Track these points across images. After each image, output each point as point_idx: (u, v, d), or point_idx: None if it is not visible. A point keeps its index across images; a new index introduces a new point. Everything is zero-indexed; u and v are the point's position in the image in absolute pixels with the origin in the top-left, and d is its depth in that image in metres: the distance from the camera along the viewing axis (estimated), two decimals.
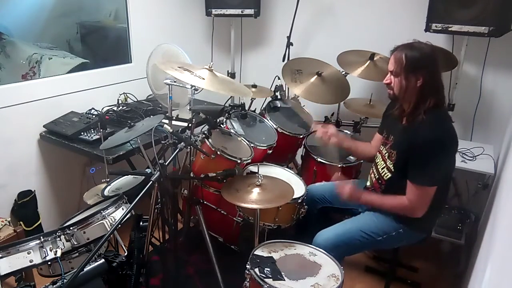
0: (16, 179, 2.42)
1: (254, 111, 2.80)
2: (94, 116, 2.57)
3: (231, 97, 3.14)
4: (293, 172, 2.38)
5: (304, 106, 2.89)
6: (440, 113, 1.84)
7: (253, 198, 1.84)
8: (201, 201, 2.22)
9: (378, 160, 2.05)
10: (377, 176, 2.03)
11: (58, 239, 1.55)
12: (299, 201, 2.12)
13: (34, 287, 1.57)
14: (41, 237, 1.51)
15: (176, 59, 2.44)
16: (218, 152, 2.04)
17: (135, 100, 2.90)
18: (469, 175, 2.34)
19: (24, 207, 2.41)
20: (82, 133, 2.38)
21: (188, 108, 2.43)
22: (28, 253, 1.47)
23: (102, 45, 3.02)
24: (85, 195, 2.30)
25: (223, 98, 2.94)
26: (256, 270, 1.60)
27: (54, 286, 1.43)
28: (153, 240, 2.00)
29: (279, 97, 2.91)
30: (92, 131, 2.41)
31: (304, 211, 2.18)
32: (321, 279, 1.59)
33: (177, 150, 1.90)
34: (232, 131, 2.37)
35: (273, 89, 2.93)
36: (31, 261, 1.47)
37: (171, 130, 1.95)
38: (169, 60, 2.36)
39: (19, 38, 2.47)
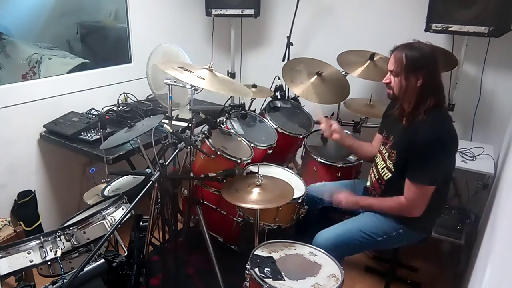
0: (16, 179, 2.43)
1: (254, 111, 2.80)
2: (94, 116, 2.57)
3: (231, 97, 3.14)
4: (293, 172, 2.38)
5: (304, 106, 2.90)
6: (441, 113, 1.84)
7: (253, 198, 1.84)
8: (201, 201, 2.22)
9: (378, 160, 2.05)
10: (377, 176, 2.03)
11: (58, 239, 1.55)
12: (299, 201, 2.12)
13: (34, 287, 1.57)
14: (41, 237, 1.51)
15: (176, 59, 2.44)
16: (218, 152, 2.04)
17: (135, 100, 2.90)
18: (469, 175, 2.34)
19: (24, 207, 2.41)
20: (82, 133, 2.38)
21: (188, 108, 2.43)
22: (28, 253, 1.47)
23: (102, 45, 3.02)
24: (85, 195, 2.30)
25: (223, 98, 2.94)
26: (256, 270, 1.60)
27: (54, 286, 1.43)
28: (153, 240, 2.00)
29: (279, 97, 2.91)
30: (92, 131, 2.41)
31: (304, 211, 2.18)
32: (321, 279, 1.59)
33: (177, 150, 1.90)
34: (232, 131, 2.37)
35: (273, 89, 2.93)
36: (31, 261, 1.47)
37: (171, 130, 1.94)
38: (169, 60, 2.36)
39: (19, 38, 2.47)
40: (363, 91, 3.02)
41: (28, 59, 2.48)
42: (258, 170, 2.03)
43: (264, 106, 2.79)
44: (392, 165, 1.91)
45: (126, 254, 1.76)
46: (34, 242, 1.50)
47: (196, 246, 2.46)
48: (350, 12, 3.11)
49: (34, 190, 2.48)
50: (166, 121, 2.17)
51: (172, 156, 1.89)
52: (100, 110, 2.67)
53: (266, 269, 1.61)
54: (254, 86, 2.92)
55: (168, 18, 3.18)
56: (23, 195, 2.42)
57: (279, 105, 2.81)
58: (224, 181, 1.96)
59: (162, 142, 2.06)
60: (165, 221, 1.95)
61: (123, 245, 2.05)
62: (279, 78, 2.86)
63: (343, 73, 2.80)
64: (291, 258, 1.71)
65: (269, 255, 1.71)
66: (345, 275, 1.62)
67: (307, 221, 2.24)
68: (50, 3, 2.62)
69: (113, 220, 1.68)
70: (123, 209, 1.77)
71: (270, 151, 2.42)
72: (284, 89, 2.92)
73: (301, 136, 2.64)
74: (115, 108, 2.74)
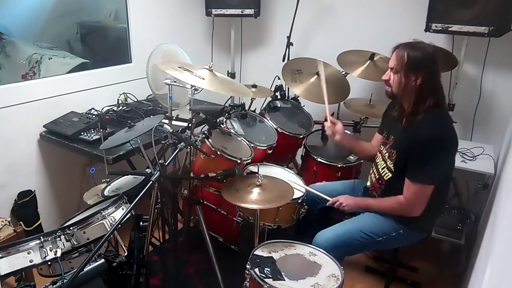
0: (16, 179, 2.42)
1: (254, 111, 2.80)
2: (94, 116, 2.57)
3: (231, 97, 3.14)
4: (293, 172, 2.38)
5: (304, 106, 2.90)
6: (440, 113, 1.84)
7: (253, 198, 1.84)
8: (201, 201, 2.22)
9: (378, 160, 2.05)
10: (377, 176, 2.03)
11: (58, 239, 1.55)
12: (299, 201, 2.12)
13: (34, 287, 1.57)
14: (41, 237, 1.51)
15: (176, 59, 2.44)
16: (218, 152, 2.04)
17: (135, 100, 2.90)
18: (469, 175, 2.33)
19: (24, 207, 2.41)
20: (82, 133, 2.38)
21: (188, 108, 2.43)
22: (28, 253, 1.47)
23: (102, 45, 3.02)
24: (85, 195, 2.30)
25: (223, 98, 2.94)
26: (256, 270, 1.60)
27: (54, 286, 1.43)
28: (153, 240, 2.00)
29: (279, 97, 2.91)
30: (92, 131, 2.41)
31: (304, 211, 2.18)
32: (321, 279, 1.59)
33: (177, 150, 1.90)
34: (232, 131, 2.37)
35: (273, 89, 2.93)
36: (31, 261, 1.47)
37: (171, 130, 1.94)
38: (169, 60, 2.36)
39: (19, 38, 2.47)
40: (363, 91, 3.02)
41: (28, 59, 2.48)
42: (258, 170, 2.03)
43: (264, 106, 2.79)
44: (392, 165, 1.91)
45: (126, 254, 1.76)
46: (34, 242, 1.50)
47: (196, 246, 2.46)
48: (350, 12, 3.11)
49: (34, 190, 2.48)
50: (166, 121, 2.17)
51: (172, 156, 1.89)
52: (100, 110, 2.67)
53: (266, 269, 1.61)
54: (254, 86, 2.92)
55: (168, 18, 3.18)
56: (23, 195, 2.42)
57: (279, 105, 2.81)
58: (224, 181, 1.96)
59: (162, 142, 2.06)
60: (165, 221, 1.95)
61: (123, 245, 2.05)
62: (279, 78, 2.86)
63: (343, 73, 2.80)
64: (291, 258, 1.71)
65: (269, 255, 1.71)
66: (345, 275, 1.62)
67: (307, 221, 2.24)
68: (50, 3, 2.62)
69: (113, 220, 1.68)
70: (123, 209, 1.77)
71: (270, 151, 2.42)
72: (284, 89, 2.92)
73: (301, 136, 2.64)
74: (115, 108, 2.74)
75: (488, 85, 2.70)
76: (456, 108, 2.64)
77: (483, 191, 2.51)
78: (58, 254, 1.51)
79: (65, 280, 1.42)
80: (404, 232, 1.91)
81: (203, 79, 1.87)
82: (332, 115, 2.91)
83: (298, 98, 2.93)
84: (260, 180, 1.90)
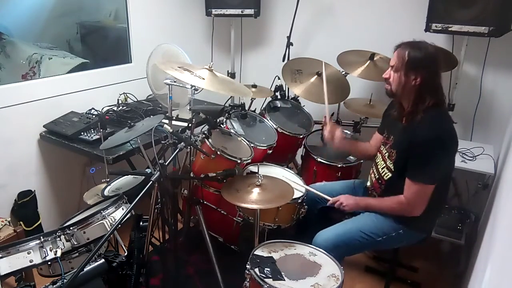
0: (16, 179, 2.42)
1: (254, 111, 2.80)
2: (94, 116, 2.57)
3: (231, 97, 3.14)
4: (293, 172, 2.38)
5: (304, 106, 2.90)
6: (440, 112, 1.84)
7: (253, 198, 1.84)
8: (201, 201, 2.22)
9: (378, 160, 2.05)
10: (377, 176, 2.03)
11: (58, 239, 1.55)
12: (299, 201, 2.12)
13: (34, 287, 1.57)
14: (41, 237, 1.51)
15: (176, 59, 2.44)
16: (218, 152, 2.04)
17: (135, 100, 2.90)
18: (469, 175, 2.33)
19: (24, 207, 2.41)
20: (82, 133, 2.38)
21: (188, 108, 2.43)
22: (28, 253, 1.47)
23: (102, 45, 3.02)
24: (85, 195, 2.30)
25: (223, 98, 2.94)
26: (256, 270, 1.60)
27: (54, 286, 1.43)
28: (153, 240, 2.00)
29: (279, 97, 2.91)
30: (92, 131, 2.41)
31: (304, 211, 2.18)
32: (321, 279, 1.59)
33: (177, 150, 1.90)
34: (232, 131, 2.37)
35: (273, 89, 2.93)
36: (31, 261, 1.47)
37: (171, 130, 1.94)
38: (169, 60, 2.36)
39: (19, 38, 2.47)
40: (363, 91, 3.02)
41: (28, 59, 2.48)
42: (258, 170, 2.03)
43: (264, 106, 2.79)
44: (392, 165, 1.91)
45: (126, 254, 1.76)
46: (34, 242, 1.50)
47: (196, 246, 2.46)
48: (350, 12, 3.11)
49: (34, 190, 2.48)
50: (166, 121, 2.17)
51: (172, 156, 1.89)
52: (100, 110, 2.67)
53: (266, 269, 1.61)
54: (254, 86, 2.93)
55: (168, 18, 3.18)
56: (23, 195, 2.42)
57: (279, 105, 2.81)
58: (224, 181, 1.96)
59: (162, 142, 2.06)
60: (165, 221, 1.95)
61: (123, 245, 2.05)
62: (279, 78, 2.86)
63: (343, 73, 2.80)
64: (291, 258, 1.71)
65: (269, 255, 1.71)
66: (345, 275, 1.62)
67: (307, 221, 2.24)
68: (50, 3, 2.62)
69: (113, 220, 1.68)
70: (123, 209, 1.77)
71: (270, 151, 2.42)
72: (284, 89, 2.92)
73: (301, 136, 2.64)
74: (115, 108, 2.74)
75: (488, 85, 2.70)
76: (456, 108, 2.64)
77: (483, 191, 2.52)
78: (58, 254, 1.51)
79: (65, 280, 1.42)
80: (404, 232, 1.91)
81: (203, 79, 1.87)
82: (332, 115, 2.92)
83: (298, 98, 2.94)
84: (260, 180, 1.90)
